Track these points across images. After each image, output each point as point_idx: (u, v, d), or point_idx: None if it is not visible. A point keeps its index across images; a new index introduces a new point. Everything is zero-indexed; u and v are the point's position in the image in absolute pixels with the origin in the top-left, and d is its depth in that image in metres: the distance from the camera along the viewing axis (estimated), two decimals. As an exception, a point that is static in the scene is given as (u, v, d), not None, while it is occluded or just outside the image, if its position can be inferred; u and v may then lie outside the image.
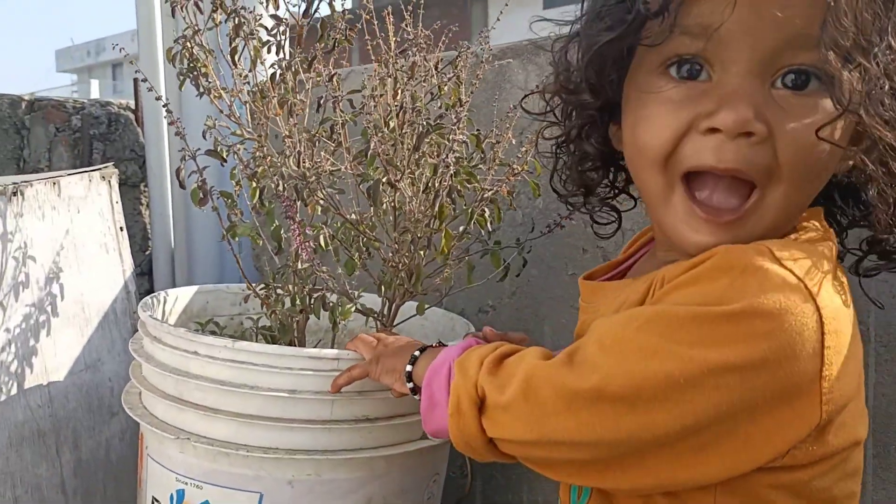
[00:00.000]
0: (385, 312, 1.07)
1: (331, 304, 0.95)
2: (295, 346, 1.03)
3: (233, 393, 0.90)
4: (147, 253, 1.86)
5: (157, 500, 0.99)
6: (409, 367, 0.80)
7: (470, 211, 0.92)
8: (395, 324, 1.08)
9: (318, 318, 1.00)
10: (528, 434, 0.61)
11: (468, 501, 1.37)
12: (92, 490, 1.31)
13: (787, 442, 0.56)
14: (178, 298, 1.18)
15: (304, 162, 0.89)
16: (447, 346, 0.82)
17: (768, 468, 0.57)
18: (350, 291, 0.99)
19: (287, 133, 0.90)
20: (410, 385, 0.80)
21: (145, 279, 1.83)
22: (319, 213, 0.95)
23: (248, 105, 1.02)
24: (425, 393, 0.75)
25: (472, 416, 0.64)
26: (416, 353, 0.80)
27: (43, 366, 1.22)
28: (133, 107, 1.89)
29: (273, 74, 1.02)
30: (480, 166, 0.96)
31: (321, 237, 0.98)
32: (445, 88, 1.01)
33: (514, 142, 0.99)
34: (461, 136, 0.90)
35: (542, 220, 1.21)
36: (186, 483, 0.95)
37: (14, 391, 1.17)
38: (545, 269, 1.28)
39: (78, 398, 1.29)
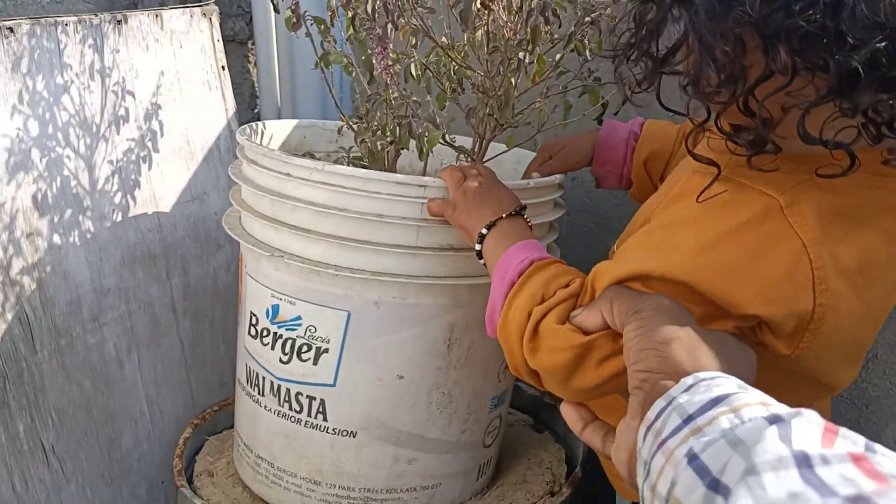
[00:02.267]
0: (475, 150, 1.06)
1: (419, 132, 0.94)
2: (384, 175, 1.04)
3: (324, 215, 0.93)
4: (255, 111, 1.90)
5: (254, 315, 1.05)
6: (478, 247, 0.84)
7: (568, 34, 0.88)
8: (485, 160, 1.07)
9: (408, 149, 1.00)
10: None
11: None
12: (200, 313, 1.40)
13: None
14: (276, 132, 1.20)
15: (394, -23, 0.86)
16: (515, 219, 0.84)
17: None
18: (439, 124, 0.98)
19: (378, -54, 0.87)
20: (482, 262, 0.85)
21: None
22: (410, 38, 0.93)
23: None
24: (489, 324, 0.79)
25: (532, 380, 0.73)
26: (484, 230, 0.83)
27: (151, 193, 1.29)
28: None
29: None
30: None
31: (412, 65, 0.96)
32: None
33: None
34: (562, -49, 0.85)
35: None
36: (281, 299, 1.00)
37: (127, 213, 1.25)
38: (643, 112, 1.22)
39: (185, 227, 1.36)
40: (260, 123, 1.16)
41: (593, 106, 1.03)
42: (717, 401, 0.46)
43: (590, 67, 1.01)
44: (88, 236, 1.18)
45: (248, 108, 1.90)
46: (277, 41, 1.75)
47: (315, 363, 1.00)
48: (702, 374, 0.50)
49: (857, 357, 0.78)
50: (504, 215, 0.83)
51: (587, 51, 0.91)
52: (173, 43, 1.34)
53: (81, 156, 1.17)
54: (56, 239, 1.13)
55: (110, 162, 1.22)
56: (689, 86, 0.60)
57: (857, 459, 0.37)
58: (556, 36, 0.92)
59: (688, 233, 0.65)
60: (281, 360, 1.02)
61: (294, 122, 1.24)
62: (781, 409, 0.44)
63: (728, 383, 0.49)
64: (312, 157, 1.17)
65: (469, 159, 1.06)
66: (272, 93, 1.80)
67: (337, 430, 1.02)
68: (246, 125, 1.11)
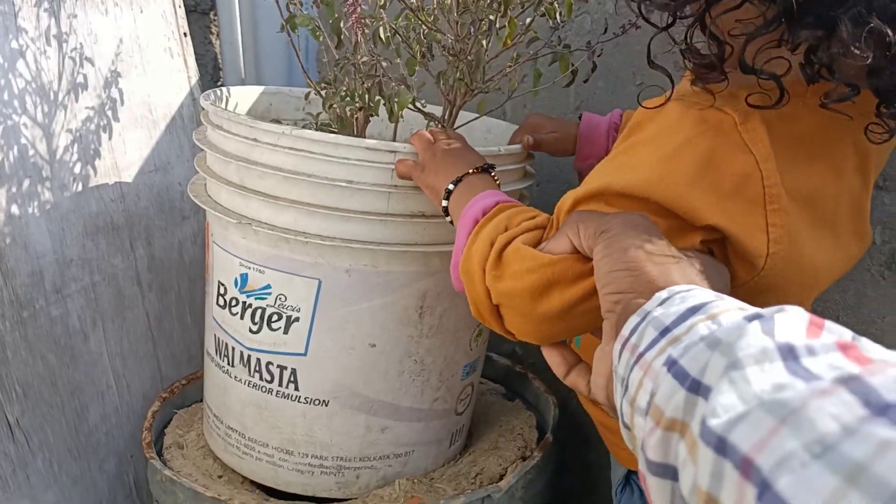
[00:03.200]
0: (445, 116, 1.05)
1: (388, 94, 0.93)
2: (354, 142, 1.03)
3: (292, 181, 0.91)
4: (219, 83, 1.86)
5: (222, 284, 1.03)
6: (444, 203, 0.82)
7: (538, -2, 0.87)
8: (455, 128, 1.06)
9: (377, 114, 0.99)
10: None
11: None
12: (166, 286, 1.38)
13: None
14: (241, 98, 1.18)
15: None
16: (483, 175, 0.82)
17: None
18: (409, 85, 0.97)
19: None
20: (449, 220, 0.83)
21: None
22: (380, 2, 0.91)
23: None
24: (454, 273, 0.77)
25: (493, 319, 0.69)
26: (451, 186, 0.81)
27: (114, 162, 1.26)
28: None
29: None
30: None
31: (381, 28, 0.95)
32: None
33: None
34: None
35: (613, 25, 1.14)
36: (249, 267, 0.98)
37: (88, 183, 1.21)
38: (612, 80, 1.22)
39: (149, 197, 1.33)
40: (224, 89, 1.13)
41: (563, 73, 1.02)
42: (693, 310, 0.44)
43: (560, 35, 1.01)
44: (48, 206, 1.15)
45: (212, 79, 1.86)
46: (240, 10, 1.71)
47: (286, 332, 0.99)
48: (676, 288, 0.48)
49: (811, 296, 0.77)
50: (471, 171, 0.82)
51: (557, 14, 0.90)
52: (133, 8, 1.30)
53: (39, 124, 1.14)
54: (15, 209, 1.10)
55: (69, 131, 1.19)
56: None
57: (844, 348, 0.35)
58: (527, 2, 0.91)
59: (647, 150, 0.65)
60: (251, 330, 1.01)
61: (260, 88, 1.22)
62: (761, 309, 0.42)
63: (704, 293, 0.47)
64: (279, 122, 1.15)
65: (439, 126, 1.05)
66: (236, 64, 1.76)
67: (309, 400, 1.01)
68: (210, 91, 1.08)
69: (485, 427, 1.23)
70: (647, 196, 0.62)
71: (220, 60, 1.86)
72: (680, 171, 0.62)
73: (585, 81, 1.06)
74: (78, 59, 1.20)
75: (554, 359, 0.63)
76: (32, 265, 1.12)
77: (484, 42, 0.89)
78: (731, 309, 0.43)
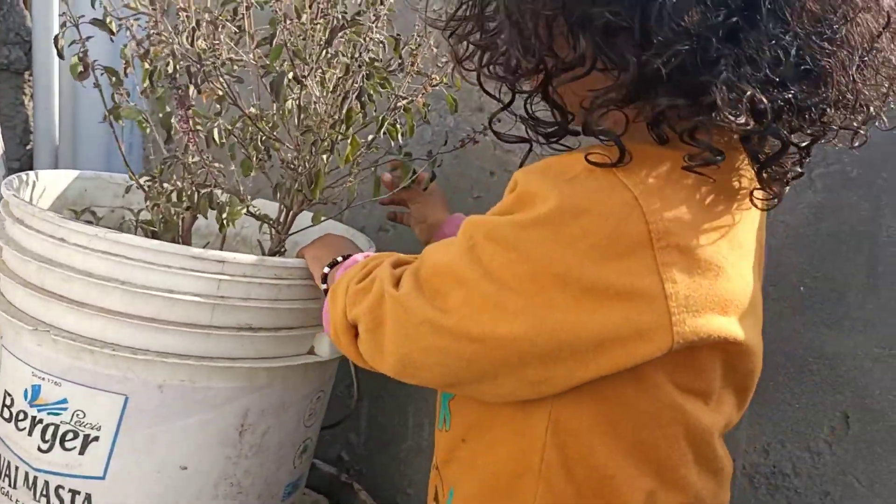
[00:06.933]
0: (281, 220, 1.01)
1: (219, 203, 0.88)
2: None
3: (102, 287, 0.83)
4: (28, 147, 1.71)
5: (9, 395, 0.91)
6: (324, 286, 0.82)
7: (381, 118, 0.86)
8: (290, 233, 1.02)
9: (206, 218, 0.93)
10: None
11: (353, 421, 1.35)
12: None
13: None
14: (50, 183, 1.07)
15: (198, 41, 0.80)
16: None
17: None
18: (242, 193, 0.92)
19: (182, 5, 0.80)
20: (325, 287, 0.83)
21: (24, 175, 1.68)
22: (214, 104, 0.87)
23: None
24: (324, 316, 0.76)
25: (349, 343, 0.68)
26: (326, 269, 0.82)
27: None
28: (20, -16, 1.70)
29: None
30: (397, 73, 0.90)
31: (215, 130, 0.90)
32: (367, -18, 0.93)
33: (435, 51, 0.93)
34: (378, 36, 0.84)
35: (452, 138, 1.16)
36: (43, 378, 0.87)
37: None
38: (450, 189, 1.23)
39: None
40: (32, 173, 1.03)
41: (404, 182, 1.02)
42: None
43: (401, 144, 1.01)
44: None
45: (21, 143, 1.70)
46: (60, 75, 1.60)
47: (81, 452, 0.88)
48: None
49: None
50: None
51: (399, 136, 0.90)
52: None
53: None
54: None
55: None
56: (498, 66, 0.60)
57: None
58: (368, 118, 0.91)
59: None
60: (40, 449, 0.89)
61: (74, 173, 1.12)
62: None
63: None
64: (93, 213, 1.06)
65: (273, 230, 1.01)
66: (50, 131, 1.63)
67: (104, 530, 0.90)
68: (14, 175, 0.98)
69: (305, 547, 1.15)
70: None
71: (31, 125, 1.71)
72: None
73: (424, 189, 1.07)
74: None
75: None
76: None
77: (324, 157, 0.87)
78: None
